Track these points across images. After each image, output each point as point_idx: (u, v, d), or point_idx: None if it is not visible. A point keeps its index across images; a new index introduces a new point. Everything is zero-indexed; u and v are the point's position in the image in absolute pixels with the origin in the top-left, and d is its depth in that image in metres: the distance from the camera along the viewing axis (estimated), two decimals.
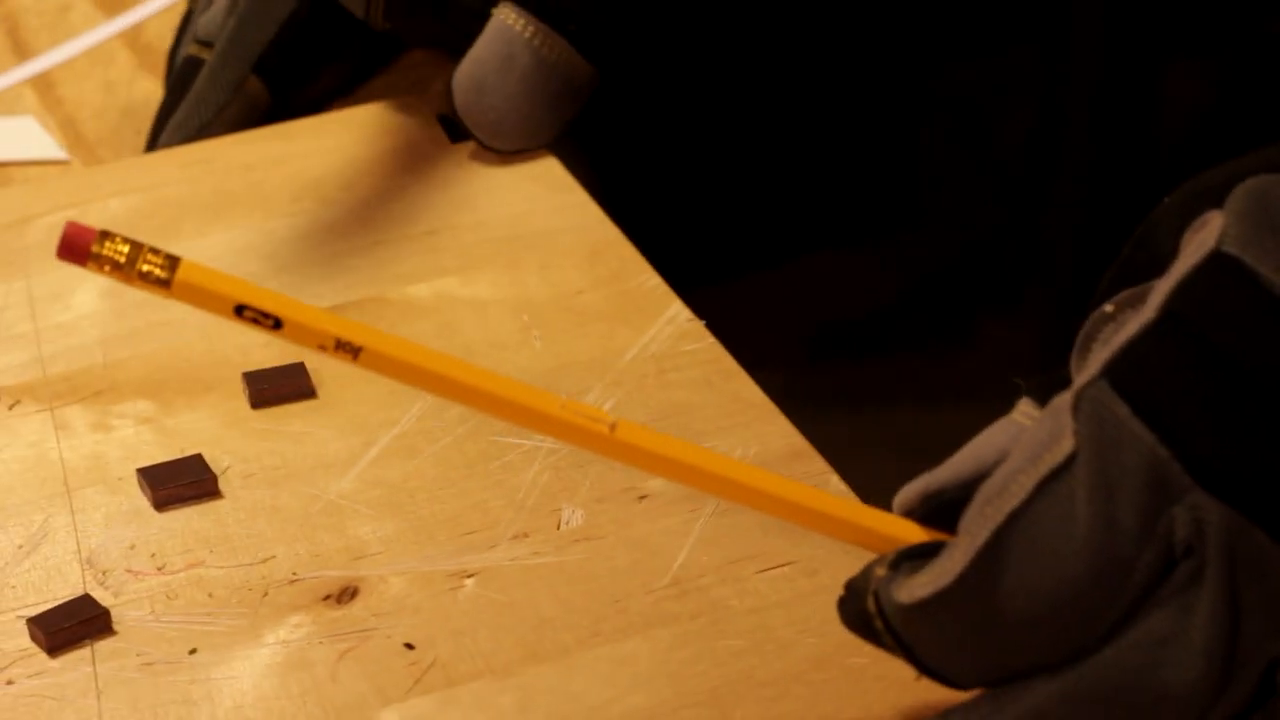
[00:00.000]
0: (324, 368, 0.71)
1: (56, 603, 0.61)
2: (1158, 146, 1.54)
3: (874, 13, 1.74)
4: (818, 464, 0.65)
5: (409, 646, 0.59)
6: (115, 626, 0.60)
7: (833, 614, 0.59)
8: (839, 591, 0.60)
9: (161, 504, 0.65)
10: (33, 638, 0.60)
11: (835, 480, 0.65)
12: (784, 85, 1.72)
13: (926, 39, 1.76)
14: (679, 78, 1.67)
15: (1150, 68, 1.49)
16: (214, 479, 0.65)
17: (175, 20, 0.96)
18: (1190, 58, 1.61)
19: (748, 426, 0.67)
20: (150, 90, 0.91)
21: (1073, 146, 1.51)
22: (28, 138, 0.87)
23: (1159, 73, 1.50)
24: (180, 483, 0.65)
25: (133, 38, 0.95)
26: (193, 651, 0.59)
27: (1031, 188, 1.69)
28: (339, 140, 0.85)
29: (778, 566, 0.61)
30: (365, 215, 0.80)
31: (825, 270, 1.76)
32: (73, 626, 0.60)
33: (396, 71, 0.92)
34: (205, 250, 0.78)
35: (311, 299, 0.75)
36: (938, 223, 1.75)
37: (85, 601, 0.60)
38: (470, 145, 0.84)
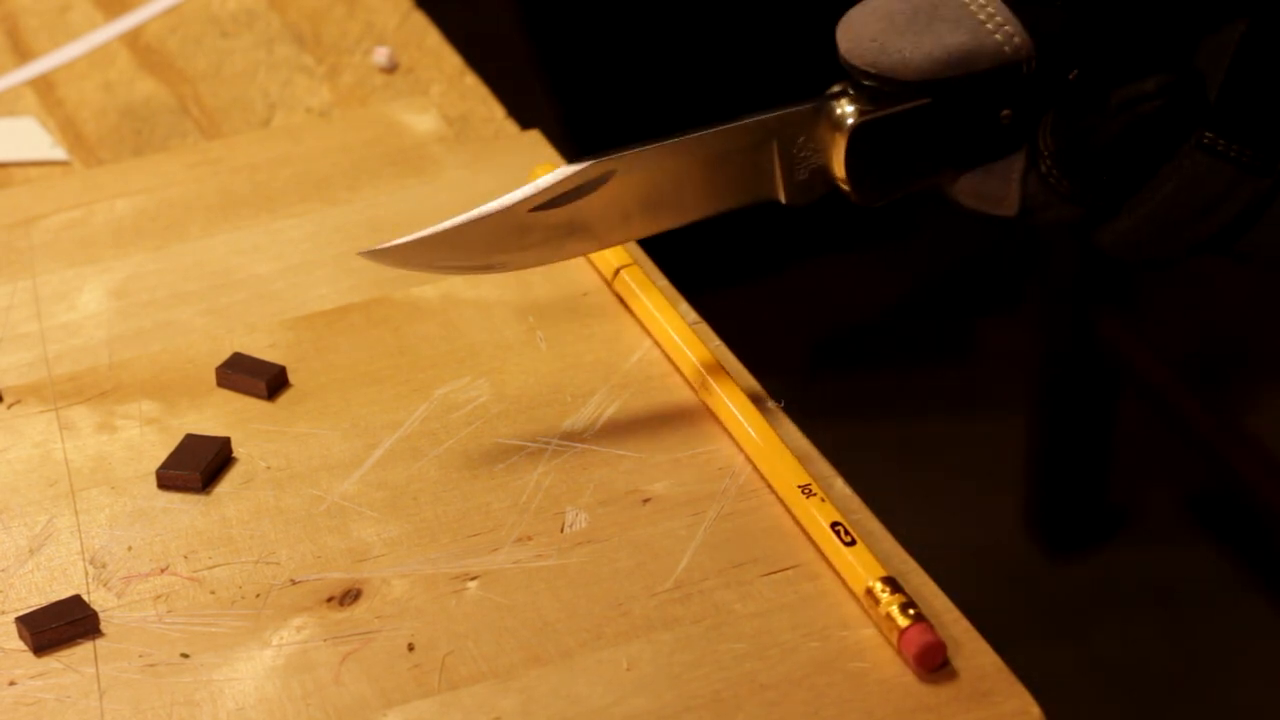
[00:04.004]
0: (324, 371, 0.71)
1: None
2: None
3: None
4: (823, 467, 0.65)
5: (411, 649, 0.59)
6: (118, 627, 0.60)
7: (835, 618, 0.59)
8: (844, 595, 0.60)
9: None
10: (20, 636, 0.60)
11: (840, 484, 0.65)
12: (788, 92, 1.72)
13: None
14: (684, 82, 1.67)
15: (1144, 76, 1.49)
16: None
17: (175, 21, 0.96)
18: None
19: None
20: (150, 91, 0.91)
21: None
22: (28, 138, 0.87)
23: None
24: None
25: (133, 38, 0.95)
26: (185, 656, 0.59)
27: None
28: (344, 141, 0.85)
29: (781, 570, 0.61)
30: (372, 215, 0.80)
31: (827, 276, 1.76)
32: (59, 627, 0.60)
33: (399, 74, 0.92)
34: (210, 251, 0.78)
35: (318, 300, 0.75)
36: (939, 229, 1.75)
37: (74, 602, 0.60)
38: (475, 145, 0.84)
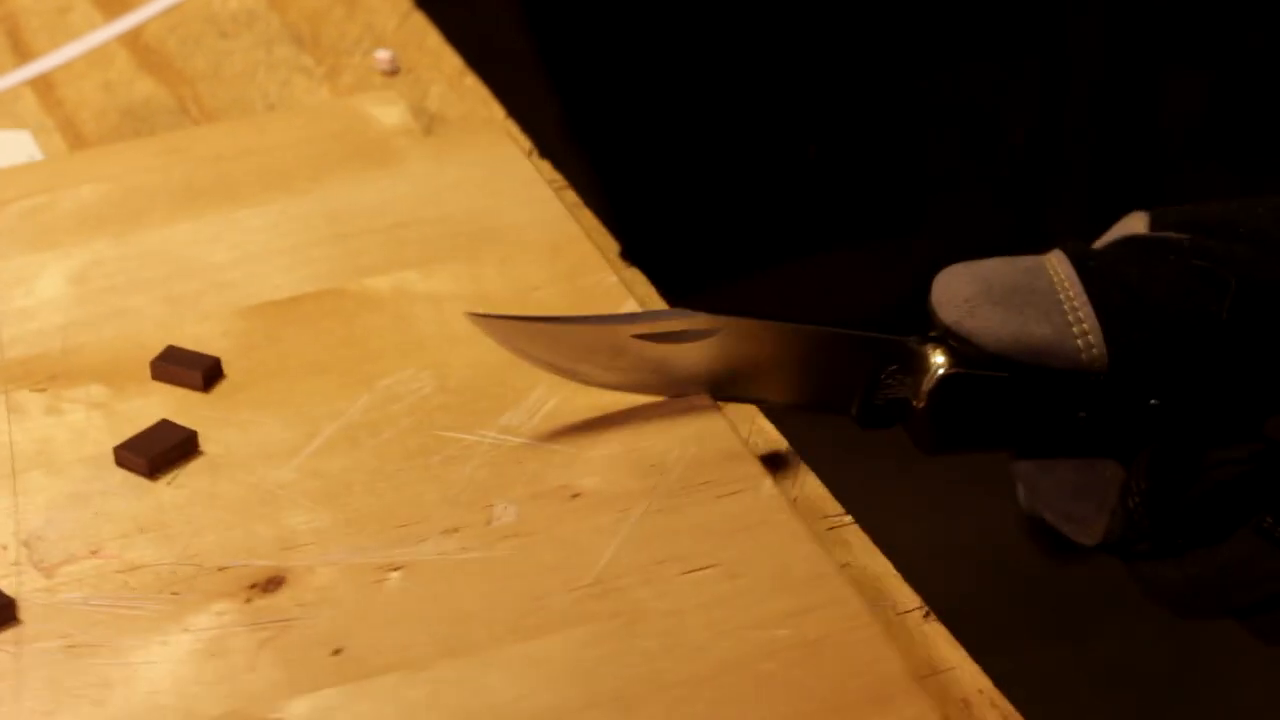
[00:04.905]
0: (272, 360, 0.72)
1: None
2: (1154, 152, 1.54)
3: (879, 20, 1.74)
4: (752, 467, 0.66)
5: (329, 638, 0.59)
6: (44, 609, 0.61)
7: (749, 618, 0.59)
8: (760, 595, 0.61)
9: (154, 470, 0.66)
10: None
11: (768, 484, 0.65)
12: (788, 91, 1.72)
13: (932, 47, 1.76)
14: (685, 81, 1.67)
15: (1147, 76, 1.49)
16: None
17: (175, 21, 0.97)
18: (1185, 69, 1.60)
19: (689, 425, 0.67)
20: (150, 91, 0.91)
21: (1073, 152, 1.50)
22: (20, 153, 0.87)
23: (1155, 81, 1.50)
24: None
25: (133, 39, 0.96)
26: (100, 643, 0.60)
27: (1033, 192, 1.70)
28: (311, 132, 0.85)
29: (701, 569, 0.62)
30: (332, 207, 0.80)
31: (827, 273, 1.76)
32: None
33: (373, 67, 0.93)
34: (170, 239, 0.79)
35: (272, 290, 0.76)
36: (940, 226, 1.75)
37: None
38: (440, 139, 0.85)
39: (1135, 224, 0.68)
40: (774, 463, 0.68)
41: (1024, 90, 1.67)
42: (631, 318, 0.66)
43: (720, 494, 0.64)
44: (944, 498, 1.58)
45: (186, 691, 0.58)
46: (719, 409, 0.68)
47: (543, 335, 0.66)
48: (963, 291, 0.65)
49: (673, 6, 1.65)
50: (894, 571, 0.65)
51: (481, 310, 0.73)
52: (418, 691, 0.58)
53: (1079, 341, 0.64)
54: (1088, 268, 0.65)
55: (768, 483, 0.65)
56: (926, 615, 0.63)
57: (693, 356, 0.66)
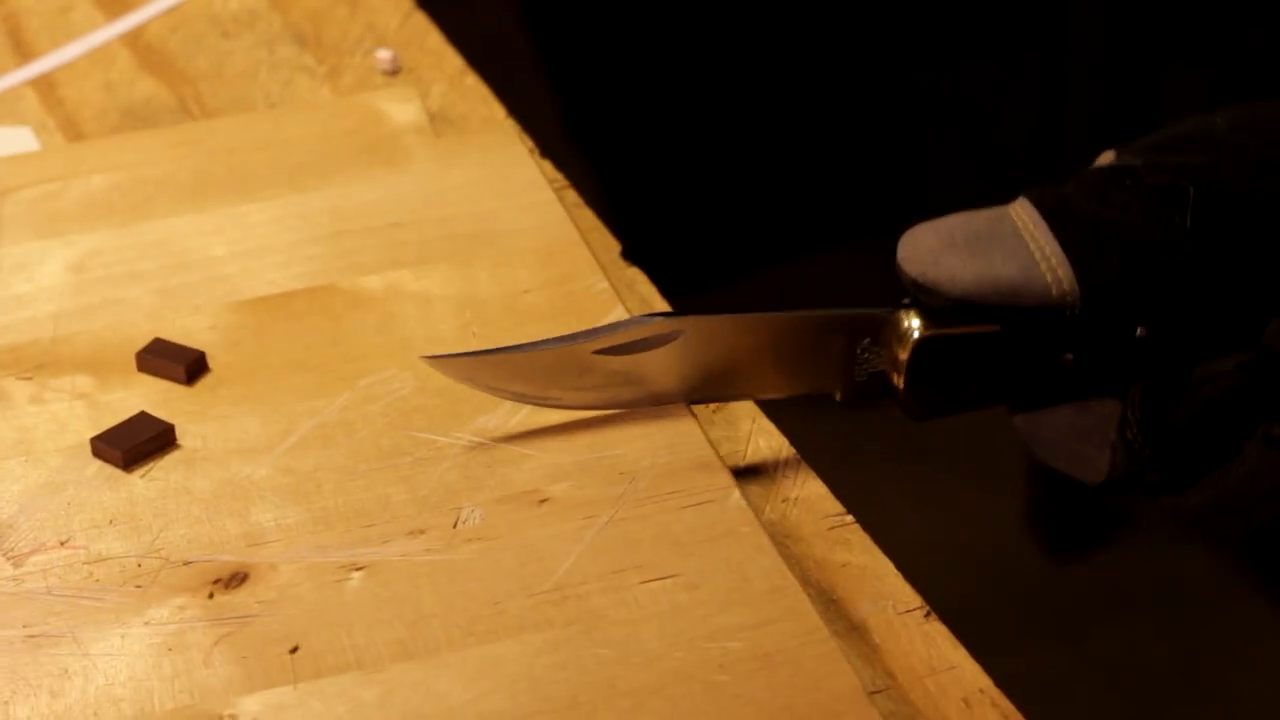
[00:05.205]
0: (257, 355, 0.72)
1: None
2: None
3: (879, 20, 1.74)
4: (722, 478, 0.66)
5: (286, 636, 0.60)
6: (10, 597, 0.62)
7: (704, 629, 0.59)
8: (718, 606, 0.61)
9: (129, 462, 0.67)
10: None
11: (736, 495, 0.65)
12: (788, 90, 1.72)
13: (932, 46, 1.75)
14: (685, 81, 1.67)
15: (1147, 76, 1.48)
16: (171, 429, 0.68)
17: (176, 20, 0.98)
18: (1185, 69, 1.59)
19: (662, 432, 0.67)
20: (151, 91, 0.92)
21: (1072, 151, 1.49)
22: (20, 149, 0.88)
23: (1155, 81, 1.49)
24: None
25: (134, 38, 0.97)
26: (61, 633, 0.60)
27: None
28: (324, 128, 0.86)
29: (661, 578, 0.62)
30: (337, 204, 0.81)
31: (827, 273, 1.75)
32: None
33: (375, 67, 0.93)
34: (173, 230, 0.79)
35: (266, 285, 0.76)
36: None
37: None
38: (449, 139, 0.85)
39: (1103, 161, 0.68)
40: (776, 463, 0.69)
41: (1024, 90, 1.66)
42: (590, 334, 0.66)
43: (687, 504, 0.64)
44: (944, 498, 1.57)
45: (142, 685, 0.58)
46: (694, 416, 0.68)
47: (503, 366, 0.66)
48: (927, 243, 0.65)
49: (673, 6, 1.65)
50: (895, 571, 0.65)
51: (469, 313, 0.74)
52: (370, 692, 0.58)
53: (1048, 276, 0.64)
54: (1049, 207, 0.65)
55: (735, 494, 0.65)
56: (928, 615, 0.63)
57: (661, 363, 0.66)
